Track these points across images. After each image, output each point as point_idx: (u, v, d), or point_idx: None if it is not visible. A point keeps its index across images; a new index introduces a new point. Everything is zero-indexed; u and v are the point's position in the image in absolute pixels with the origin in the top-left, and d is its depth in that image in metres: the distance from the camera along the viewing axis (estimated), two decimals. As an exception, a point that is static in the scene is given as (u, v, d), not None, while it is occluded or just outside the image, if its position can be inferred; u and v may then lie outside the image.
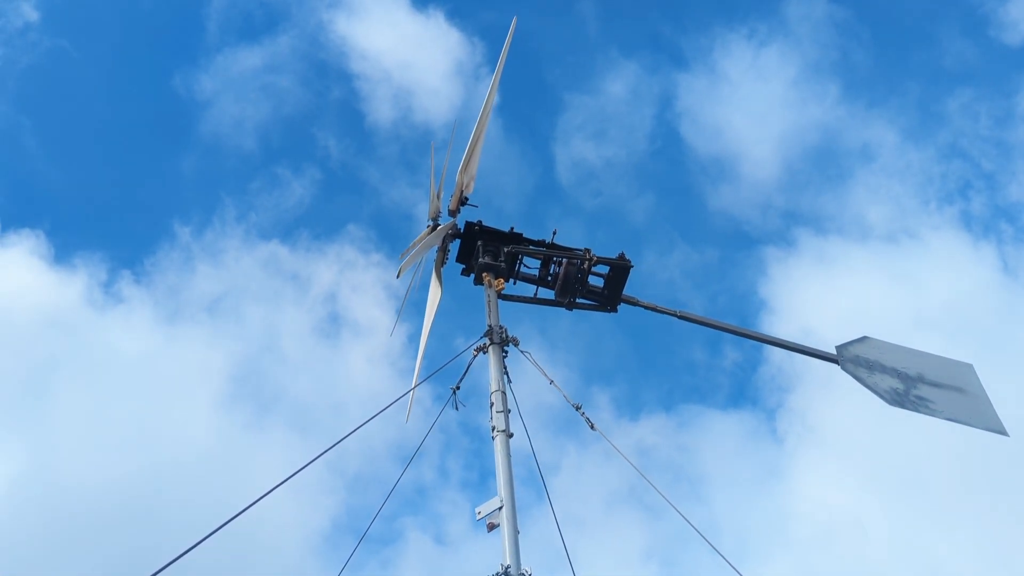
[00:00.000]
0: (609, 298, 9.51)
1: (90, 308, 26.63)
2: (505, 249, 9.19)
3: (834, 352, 9.41)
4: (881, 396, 8.94)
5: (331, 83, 30.08)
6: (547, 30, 31.61)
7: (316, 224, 27.81)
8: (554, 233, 9.40)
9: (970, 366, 9.54)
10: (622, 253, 9.36)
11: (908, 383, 9.17)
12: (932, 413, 8.80)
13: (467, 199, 9.83)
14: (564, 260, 9.28)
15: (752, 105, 30.13)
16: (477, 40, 29.58)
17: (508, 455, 6.85)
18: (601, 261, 9.33)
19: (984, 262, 27.04)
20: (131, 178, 29.69)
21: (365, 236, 25.98)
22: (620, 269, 9.35)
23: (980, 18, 28.50)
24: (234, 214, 28.14)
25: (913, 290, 26.66)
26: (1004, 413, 8.85)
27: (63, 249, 27.20)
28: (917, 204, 28.45)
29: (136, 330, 26.27)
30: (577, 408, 7.61)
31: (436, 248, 9.68)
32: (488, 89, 9.99)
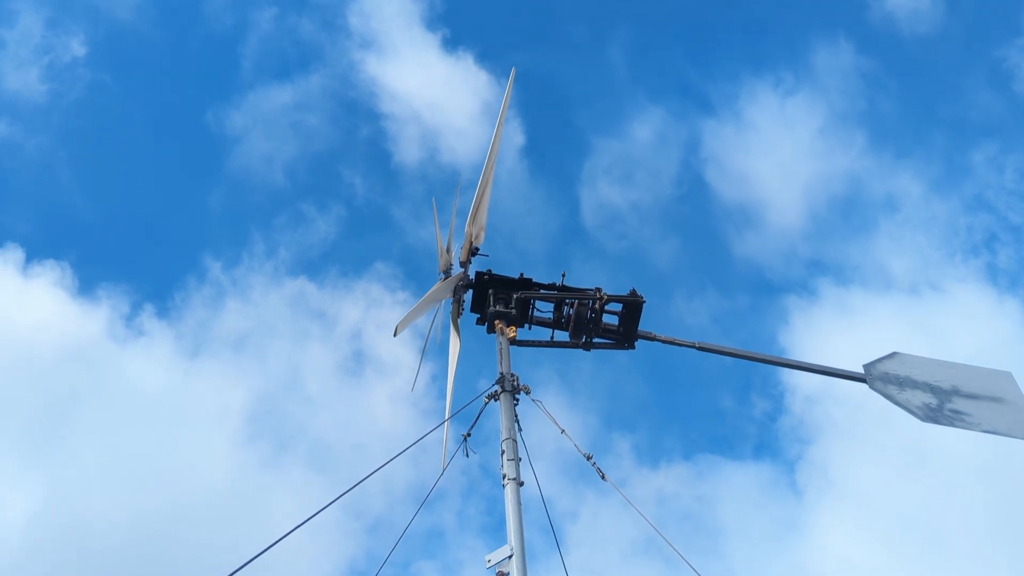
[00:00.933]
0: (625, 335, 9.46)
1: (111, 341, 27.07)
2: (515, 295, 9.25)
3: (862, 371, 9.18)
4: (913, 413, 8.65)
5: (359, 122, 30.75)
6: (576, 74, 32.09)
7: (344, 261, 28.16)
8: (563, 275, 9.44)
9: (1009, 374, 9.17)
10: (633, 289, 9.34)
11: (942, 397, 8.86)
12: (968, 426, 8.48)
13: (478, 249, 9.96)
14: (575, 301, 9.30)
15: (778, 153, 30.36)
16: (505, 81, 29.80)
17: (519, 503, 6.83)
18: (613, 299, 9.31)
19: (1009, 316, 26.75)
20: (159, 211, 30.59)
21: (392, 274, 26.20)
22: (633, 306, 9.31)
23: (1005, 72, 28.52)
24: (263, 249, 28.66)
25: (936, 343, 26.21)
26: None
27: (87, 281, 27.88)
28: (941, 256, 28.14)
29: (157, 365, 26.58)
30: (588, 458, 7.60)
31: (451, 300, 9.81)
32: (491, 139, 10.19)
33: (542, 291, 9.46)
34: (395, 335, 8.41)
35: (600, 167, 30.66)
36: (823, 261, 28.90)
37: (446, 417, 9.63)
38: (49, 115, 29.28)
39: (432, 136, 29.15)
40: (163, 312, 27.80)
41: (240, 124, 29.86)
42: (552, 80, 31.87)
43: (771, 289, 28.82)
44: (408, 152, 29.52)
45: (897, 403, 8.80)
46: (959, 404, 8.76)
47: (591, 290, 9.38)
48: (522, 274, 9.55)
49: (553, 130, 32.64)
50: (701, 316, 27.34)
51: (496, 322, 9.18)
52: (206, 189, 30.90)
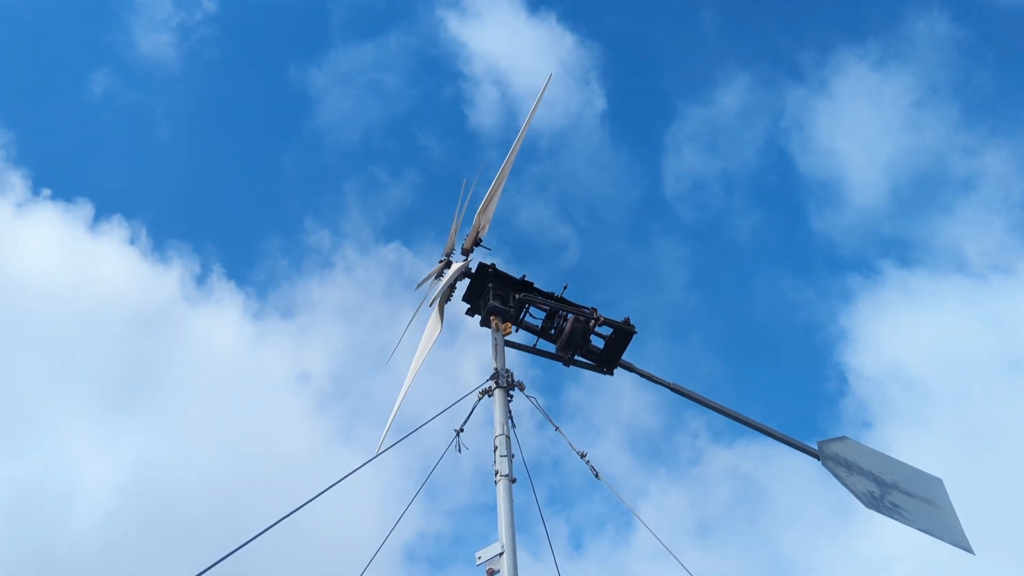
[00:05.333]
0: (607, 360, 9.53)
1: (185, 303, 26.16)
2: (516, 296, 9.18)
3: (816, 447, 9.59)
4: (859, 497, 9.10)
5: (442, 81, 29.95)
6: (666, 37, 31.42)
7: (435, 225, 26.80)
8: (564, 288, 9.46)
9: (940, 481, 9.77)
10: (627, 318, 9.43)
11: (884, 488, 9.36)
12: (905, 521, 8.98)
13: (481, 240, 9.85)
14: (571, 316, 9.30)
15: (864, 125, 29.47)
16: (590, 42, 29.36)
17: (510, 500, 6.77)
18: (607, 323, 9.37)
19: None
20: (239, 170, 29.61)
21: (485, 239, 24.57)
22: (623, 333, 9.40)
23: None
24: (357, 212, 27.85)
25: (1006, 330, 25.80)
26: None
27: (158, 240, 26.72)
28: (1016, 239, 27.48)
29: (229, 327, 25.94)
30: (582, 456, 7.64)
31: (443, 283, 9.63)
32: (517, 137, 10.12)
33: (540, 298, 9.43)
34: (431, 305, 8.16)
35: (684, 134, 29.78)
36: (895, 240, 28.47)
37: (398, 400, 9.43)
38: (159, 70, 28.17)
39: (510, 99, 27.93)
40: (233, 273, 26.87)
41: (321, 83, 28.79)
42: (639, 42, 31.01)
43: (840, 267, 28.44)
44: (484, 115, 28.24)
45: (845, 485, 9.23)
46: (897, 498, 9.28)
47: (587, 308, 9.42)
48: (524, 276, 9.51)
49: (640, 95, 31.63)
50: (770, 294, 27.38)
51: (492, 317, 9.07)
52: (287, 149, 29.77)
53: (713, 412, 9.52)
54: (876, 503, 9.11)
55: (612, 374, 9.62)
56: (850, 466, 9.52)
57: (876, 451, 9.91)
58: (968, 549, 8.86)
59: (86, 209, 26.02)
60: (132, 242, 26.14)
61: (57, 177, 27.64)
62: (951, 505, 9.45)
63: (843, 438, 9.93)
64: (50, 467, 21.28)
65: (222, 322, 26.31)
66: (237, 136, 30.06)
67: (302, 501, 6.55)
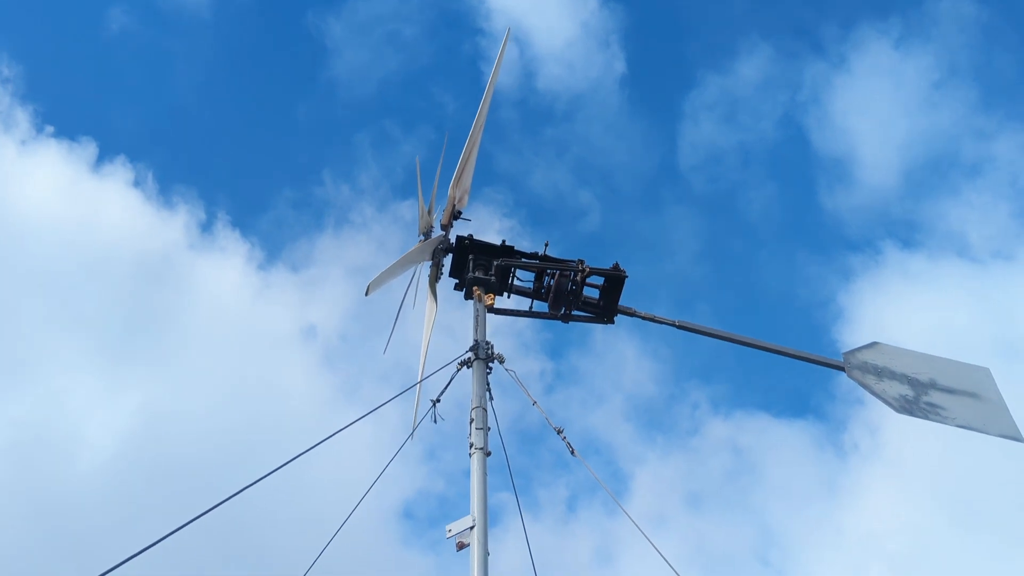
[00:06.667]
0: (605, 310, 9.32)
1: (190, 250, 26.05)
2: (495, 263, 9.08)
3: (841, 360, 9.10)
4: (889, 403, 8.58)
5: (461, 36, 29.30)
6: (691, 3, 30.76)
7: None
8: (546, 245, 9.28)
9: (987, 370, 9.11)
10: (616, 263, 9.17)
11: (919, 389, 8.79)
12: (943, 420, 8.42)
13: (460, 213, 9.76)
14: (556, 272, 9.13)
15: (882, 104, 28.86)
16: (614, 4, 28.97)
17: (484, 474, 6.72)
18: (595, 272, 9.15)
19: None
20: (255, 119, 29.38)
21: (502, 199, 24.05)
22: (614, 280, 9.16)
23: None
24: (375, 167, 27.44)
25: (1004, 317, 25.35)
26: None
27: (164, 183, 26.46)
28: (1020, 225, 26.96)
29: (234, 277, 25.70)
30: (559, 432, 7.49)
31: (430, 264, 9.62)
32: (482, 100, 9.94)
33: (523, 260, 9.29)
34: (367, 294, 8.21)
35: (703, 103, 29.35)
36: (907, 221, 28.08)
37: (418, 380, 9.50)
38: (181, 9, 28.08)
39: (529, 60, 27.33)
40: (239, 222, 26.59)
41: (338, 32, 28.46)
42: (663, 6, 30.63)
43: (844, 246, 28.15)
44: (502, 74, 27.74)
45: (874, 393, 8.73)
46: (935, 397, 8.69)
47: (573, 262, 9.21)
48: (504, 241, 9.38)
49: (659, 60, 31.23)
50: (776, 269, 27.22)
51: (474, 288, 9.01)
52: (301, 99, 29.75)
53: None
54: (909, 407, 8.56)
55: (613, 322, 9.39)
56: (880, 372, 8.98)
57: (912, 351, 9.31)
58: (1019, 438, 8.24)
59: (90, 148, 25.63)
60: (136, 184, 25.85)
61: (62, 115, 27.49)
62: (999, 395, 8.78)
63: (874, 344, 9.38)
64: (51, 410, 21.36)
65: (226, 271, 26.08)
66: (252, 83, 29.86)
67: (301, 451, 6.53)
